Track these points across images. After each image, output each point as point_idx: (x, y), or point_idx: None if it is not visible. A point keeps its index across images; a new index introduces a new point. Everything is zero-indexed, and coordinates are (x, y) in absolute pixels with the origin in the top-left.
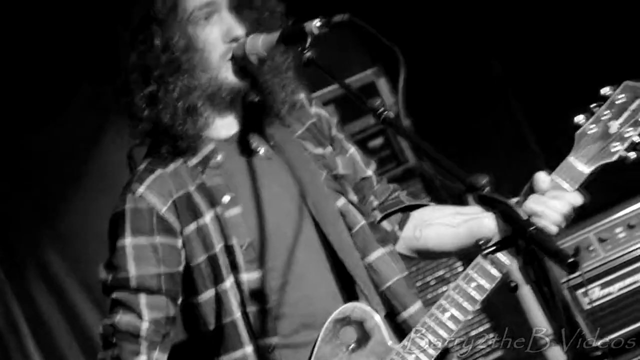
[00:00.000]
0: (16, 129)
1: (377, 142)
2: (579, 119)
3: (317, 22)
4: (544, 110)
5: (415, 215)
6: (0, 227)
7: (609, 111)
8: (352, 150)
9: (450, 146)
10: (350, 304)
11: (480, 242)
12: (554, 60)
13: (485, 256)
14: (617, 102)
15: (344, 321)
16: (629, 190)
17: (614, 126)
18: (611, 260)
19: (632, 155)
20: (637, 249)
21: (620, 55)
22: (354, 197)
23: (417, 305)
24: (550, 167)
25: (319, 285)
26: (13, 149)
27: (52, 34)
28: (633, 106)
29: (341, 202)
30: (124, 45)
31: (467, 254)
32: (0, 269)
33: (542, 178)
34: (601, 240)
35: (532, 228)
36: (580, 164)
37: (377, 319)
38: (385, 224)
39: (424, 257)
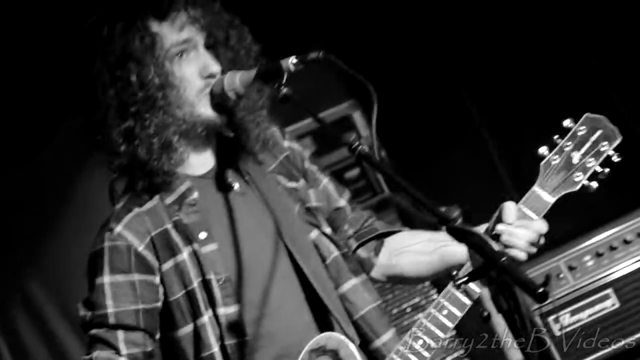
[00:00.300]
0: None
1: (353, 173)
2: (543, 150)
3: (292, 60)
4: (515, 141)
5: (389, 242)
6: None
7: (571, 142)
8: (325, 181)
9: (422, 176)
10: (325, 334)
11: (453, 273)
12: (524, 92)
13: (457, 285)
14: (578, 134)
15: (319, 351)
16: (596, 220)
17: (576, 157)
18: (580, 288)
19: (594, 184)
20: (605, 276)
21: (585, 88)
22: (327, 229)
23: (390, 334)
24: (521, 197)
25: (294, 316)
26: None
27: (33, 70)
28: (593, 138)
29: (314, 234)
30: (103, 82)
31: (442, 279)
32: None
33: (510, 207)
34: (570, 268)
35: (503, 259)
36: (545, 194)
37: (351, 348)
38: (361, 252)
39: (400, 282)
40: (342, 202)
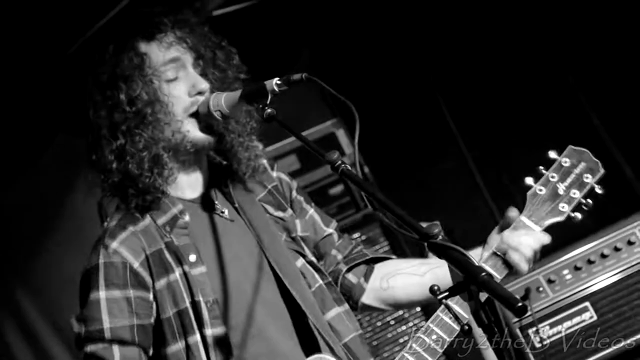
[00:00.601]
0: None
1: (337, 189)
2: (529, 180)
3: (277, 81)
4: (496, 159)
5: (381, 267)
6: None
7: (555, 174)
8: (312, 211)
9: (404, 193)
10: (315, 356)
11: (435, 288)
12: (505, 110)
13: (444, 309)
14: (563, 165)
15: None
16: (574, 234)
17: (562, 188)
18: (559, 301)
19: (579, 215)
20: (583, 289)
21: (563, 106)
22: (312, 258)
23: None
24: (502, 215)
25: (279, 340)
26: None
27: (23, 85)
28: (577, 170)
29: (300, 262)
30: (95, 102)
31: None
32: None
33: (513, 214)
34: (550, 282)
35: (483, 274)
36: (532, 224)
37: None
38: (350, 277)
39: (393, 307)
40: (330, 230)
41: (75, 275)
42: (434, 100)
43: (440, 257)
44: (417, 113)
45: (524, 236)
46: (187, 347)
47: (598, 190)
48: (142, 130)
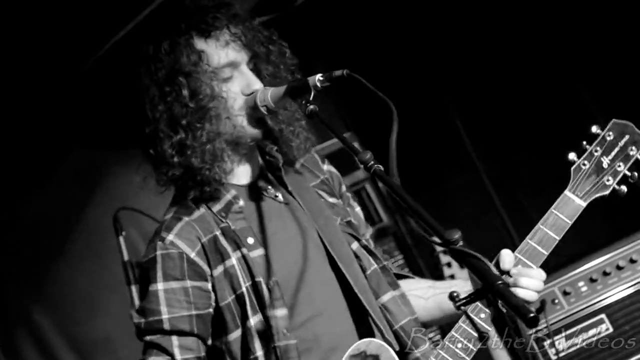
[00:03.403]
0: (5, 197)
1: None
2: (572, 156)
3: (319, 77)
4: (510, 174)
5: None
6: None
7: (599, 148)
8: (358, 209)
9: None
10: (365, 340)
11: (454, 294)
12: (517, 122)
13: (456, 307)
14: (607, 139)
15: (360, 356)
16: (590, 246)
17: (606, 161)
18: (575, 313)
19: (624, 188)
20: (598, 301)
21: (576, 119)
22: (366, 242)
23: (426, 345)
24: (516, 230)
25: (337, 322)
26: (2, 216)
27: (37, 101)
28: (621, 142)
29: (355, 245)
30: (152, 97)
31: (443, 324)
32: None
33: (507, 256)
34: (565, 294)
35: (499, 282)
36: (576, 198)
37: (392, 353)
38: None
39: None
40: (367, 235)
41: (90, 291)
42: (448, 115)
43: (459, 262)
44: (431, 128)
45: (525, 279)
46: (246, 331)
47: None
48: (204, 124)
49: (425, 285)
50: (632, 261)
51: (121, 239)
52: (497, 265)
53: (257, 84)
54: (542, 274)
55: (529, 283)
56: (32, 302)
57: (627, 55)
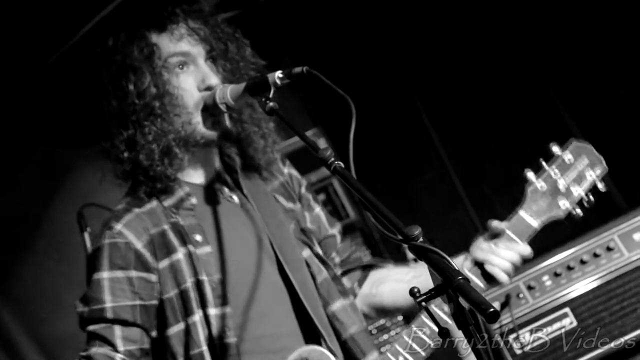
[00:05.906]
0: None
1: (319, 198)
2: (530, 175)
3: (279, 74)
4: (477, 170)
5: (374, 273)
6: None
7: (557, 168)
8: (318, 209)
9: (385, 204)
10: (307, 347)
11: (415, 290)
12: (486, 123)
13: (417, 303)
14: (565, 160)
15: None
16: (554, 241)
17: (562, 183)
18: (539, 307)
19: (579, 211)
20: (563, 295)
21: (544, 115)
22: (319, 250)
23: (375, 355)
24: (484, 226)
25: (280, 324)
26: None
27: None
28: (579, 165)
29: (307, 252)
30: (106, 92)
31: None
32: None
33: (497, 225)
34: (530, 288)
35: (459, 278)
36: (530, 218)
37: None
38: (345, 281)
39: (381, 313)
40: (334, 231)
41: (56, 288)
42: (415, 110)
43: (420, 259)
44: (398, 123)
45: (504, 250)
46: (190, 326)
47: (600, 186)
48: (152, 122)
49: (405, 270)
50: (596, 255)
51: (86, 234)
52: (492, 235)
53: (213, 79)
54: (527, 249)
55: (506, 254)
56: None
57: (592, 52)
